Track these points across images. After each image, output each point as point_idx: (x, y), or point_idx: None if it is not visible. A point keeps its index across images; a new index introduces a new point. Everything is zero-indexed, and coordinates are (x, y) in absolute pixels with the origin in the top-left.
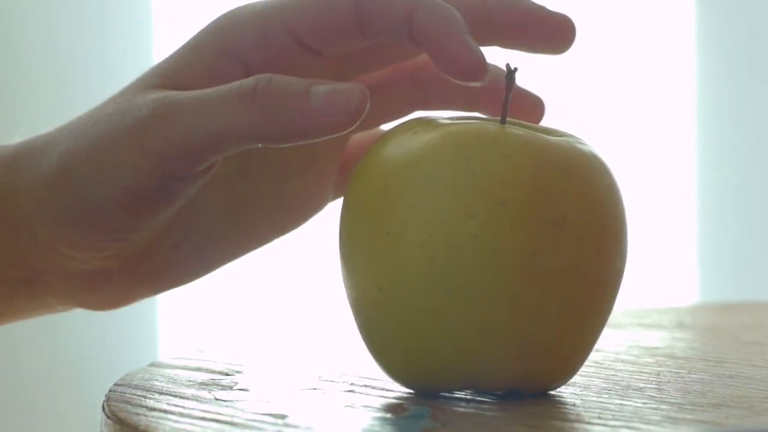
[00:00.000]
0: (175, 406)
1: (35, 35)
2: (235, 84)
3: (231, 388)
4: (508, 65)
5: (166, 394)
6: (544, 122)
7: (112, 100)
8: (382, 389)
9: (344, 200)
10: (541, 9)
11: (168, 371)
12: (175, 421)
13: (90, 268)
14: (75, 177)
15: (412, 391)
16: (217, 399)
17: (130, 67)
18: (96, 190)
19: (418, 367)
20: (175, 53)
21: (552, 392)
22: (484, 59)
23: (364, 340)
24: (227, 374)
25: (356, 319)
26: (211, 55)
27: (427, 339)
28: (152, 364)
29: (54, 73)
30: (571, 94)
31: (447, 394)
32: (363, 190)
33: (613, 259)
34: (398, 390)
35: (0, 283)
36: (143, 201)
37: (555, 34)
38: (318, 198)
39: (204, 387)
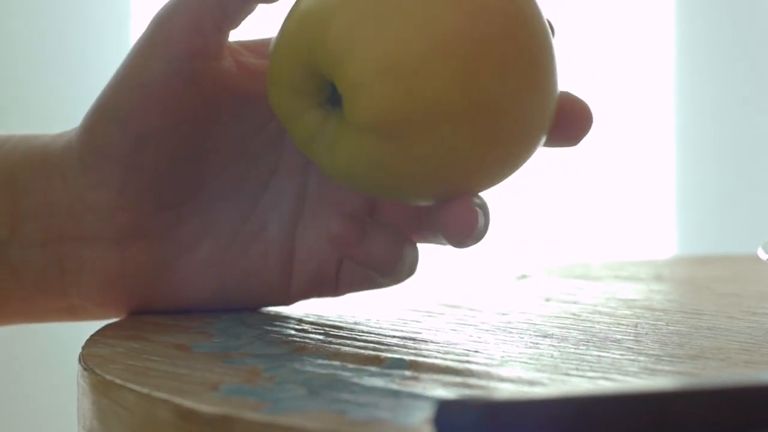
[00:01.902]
0: (152, 359)
1: (16, 29)
2: None
3: (208, 342)
4: None
5: (142, 346)
6: None
7: None
8: (357, 339)
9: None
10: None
11: (146, 324)
12: (152, 376)
13: (110, 234)
14: (111, 106)
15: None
16: (194, 352)
17: (109, 60)
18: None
19: None
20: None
21: (528, 344)
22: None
23: None
24: (204, 328)
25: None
26: None
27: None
28: (130, 317)
29: (34, 68)
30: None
31: (426, 340)
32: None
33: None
34: (373, 341)
35: (23, 267)
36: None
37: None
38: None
39: (181, 340)
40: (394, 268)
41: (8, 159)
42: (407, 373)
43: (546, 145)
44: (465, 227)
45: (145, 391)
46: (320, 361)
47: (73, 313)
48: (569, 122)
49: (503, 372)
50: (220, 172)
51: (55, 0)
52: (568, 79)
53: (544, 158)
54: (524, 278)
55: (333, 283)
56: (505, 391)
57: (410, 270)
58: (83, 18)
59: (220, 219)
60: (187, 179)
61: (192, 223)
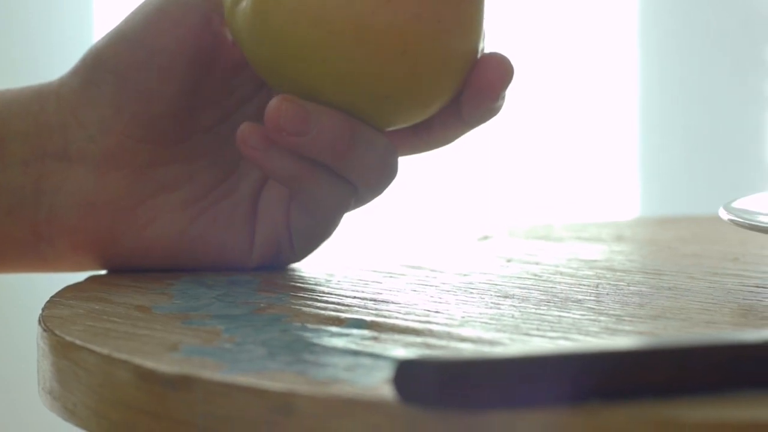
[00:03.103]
0: (112, 320)
1: None
2: None
3: (168, 303)
4: None
5: (103, 308)
6: None
7: None
8: (317, 300)
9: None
10: None
11: (106, 285)
12: (112, 337)
13: (93, 155)
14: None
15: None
16: (154, 313)
17: (71, 50)
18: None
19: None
20: None
21: (489, 305)
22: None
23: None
24: (164, 289)
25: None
26: None
27: None
28: (90, 278)
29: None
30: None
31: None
32: None
33: None
34: (334, 301)
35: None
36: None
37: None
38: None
39: (141, 301)
40: (296, 183)
41: (4, 94)
42: (367, 333)
43: (466, 100)
44: (502, 76)
45: (105, 352)
46: (280, 322)
47: (36, 249)
48: (486, 73)
49: (464, 332)
50: (208, 130)
51: (17, 2)
52: (531, 42)
53: (508, 119)
54: (486, 239)
55: (288, 244)
56: (465, 351)
57: (325, 204)
58: (45, 20)
59: (198, 173)
60: (178, 124)
61: (171, 168)
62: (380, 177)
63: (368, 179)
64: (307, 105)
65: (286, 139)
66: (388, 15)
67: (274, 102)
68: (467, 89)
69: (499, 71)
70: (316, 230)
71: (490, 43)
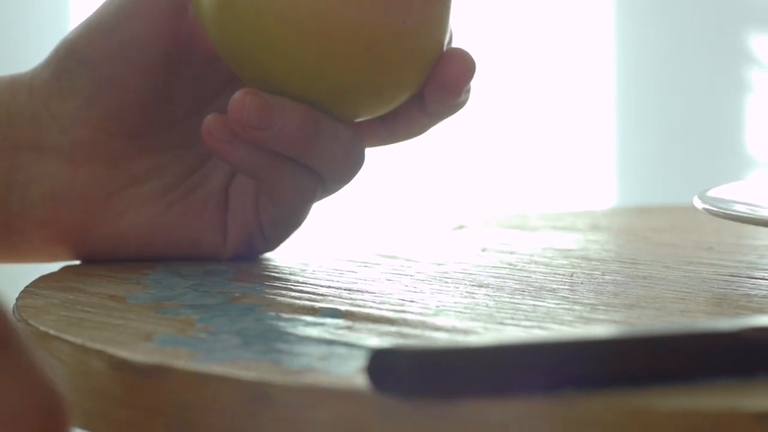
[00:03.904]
0: (86, 310)
1: None
2: None
3: (143, 292)
4: None
5: (77, 297)
6: None
7: None
8: (292, 290)
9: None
10: None
11: (81, 275)
12: (86, 327)
13: (65, 147)
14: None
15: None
16: (128, 303)
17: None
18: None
19: None
20: None
21: (464, 294)
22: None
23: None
24: (139, 279)
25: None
26: None
27: None
28: (65, 268)
29: None
30: None
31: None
32: None
33: None
34: (308, 291)
35: None
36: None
37: None
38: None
39: (116, 291)
40: (261, 175)
41: None
42: (342, 322)
43: (429, 94)
44: (464, 72)
45: (79, 341)
46: (255, 312)
47: (9, 241)
48: (449, 68)
49: (438, 321)
50: (180, 122)
51: None
52: (507, 33)
53: (484, 109)
54: (461, 229)
55: (260, 234)
56: (439, 340)
57: (291, 195)
58: (21, 9)
59: (170, 165)
60: (150, 116)
61: (143, 160)
62: (346, 168)
63: (334, 170)
64: (271, 99)
65: (249, 133)
66: (353, 12)
67: (237, 96)
68: (430, 84)
69: (462, 66)
70: (286, 220)
71: (470, 33)
